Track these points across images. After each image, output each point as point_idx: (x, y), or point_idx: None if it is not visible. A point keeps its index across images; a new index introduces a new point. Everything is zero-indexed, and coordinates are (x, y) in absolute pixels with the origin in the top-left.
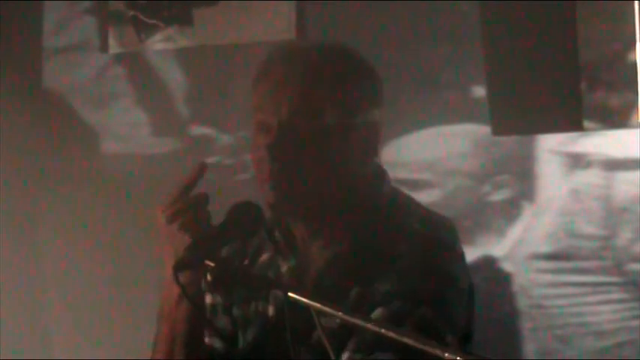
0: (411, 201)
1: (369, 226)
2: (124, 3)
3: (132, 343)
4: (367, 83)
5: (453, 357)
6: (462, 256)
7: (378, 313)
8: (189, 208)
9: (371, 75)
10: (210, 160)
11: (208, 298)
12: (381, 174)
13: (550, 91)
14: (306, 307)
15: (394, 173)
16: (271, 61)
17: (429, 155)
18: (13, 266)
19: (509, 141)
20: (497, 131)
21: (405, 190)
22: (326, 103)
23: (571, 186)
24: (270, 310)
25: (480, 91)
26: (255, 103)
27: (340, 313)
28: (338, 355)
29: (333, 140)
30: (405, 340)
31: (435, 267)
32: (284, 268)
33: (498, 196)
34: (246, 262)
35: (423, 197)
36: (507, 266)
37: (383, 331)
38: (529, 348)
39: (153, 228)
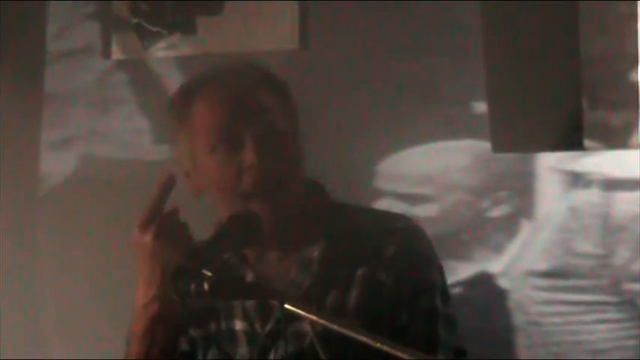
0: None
1: (335, 231)
2: (128, 9)
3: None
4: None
5: None
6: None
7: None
8: (161, 221)
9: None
10: None
11: None
12: (320, 184)
13: (551, 109)
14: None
15: (393, 187)
16: (204, 78)
17: (429, 169)
18: (12, 268)
19: (509, 157)
20: (497, 148)
21: (404, 205)
22: (281, 117)
23: (570, 204)
24: (238, 324)
25: (480, 107)
26: (204, 117)
27: (335, 325)
28: None
29: (293, 153)
30: (400, 354)
31: (420, 252)
32: (249, 277)
33: (497, 212)
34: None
35: (422, 211)
36: (504, 282)
37: (378, 345)
38: None
39: None
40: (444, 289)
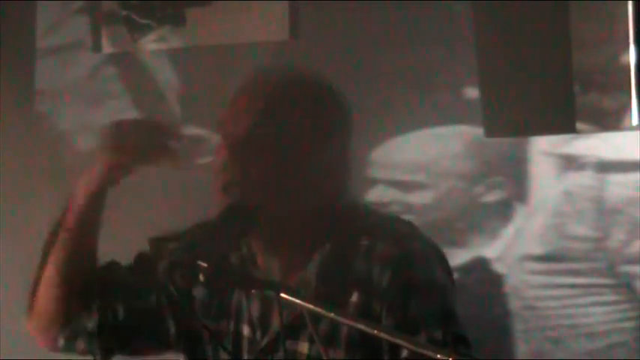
0: (369, 215)
1: (333, 249)
2: (117, 3)
3: None
4: (337, 111)
5: (445, 358)
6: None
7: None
8: None
9: (334, 103)
10: (203, 160)
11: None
12: (337, 191)
13: (543, 93)
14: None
15: (387, 175)
16: (247, 80)
17: (422, 157)
18: (12, 267)
19: (502, 142)
20: (489, 133)
21: (398, 192)
22: (291, 120)
23: (564, 188)
24: (245, 330)
25: (472, 93)
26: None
27: (332, 314)
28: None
29: (297, 158)
30: (398, 341)
31: (414, 282)
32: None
33: (491, 198)
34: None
35: (416, 199)
36: (500, 267)
37: (375, 332)
38: (521, 349)
39: (147, 226)
40: (447, 313)
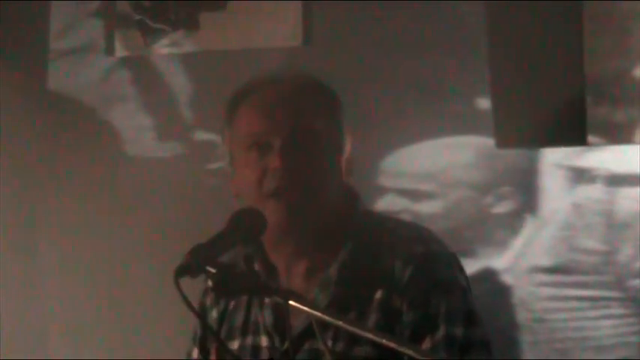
0: (387, 219)
1: (354, 248)
2: (131, 6)
3: (131, 344)
4: (341, 112)
5: None
6: (454, 257)
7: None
8: None
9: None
10: (213, 165)
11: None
12: (355, 194)
13: (555, 105)
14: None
15: (397, 183)
16: (255, 84)
17: (432, 166)
18: (13, 267)
19: (512, 153)
20: (500, 144)
21: (408, 201)
22: (320, 123)
23: (573, 200)
24: (264, 341)
25: (484, 103)
26: (242, 122)
27: (340, 322)
28: None
29: (328, 160)
30: (405, 350)
31: (436, 278)
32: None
33: (501, 209)
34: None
35: (425, 208)
36: (508, 279)
37: (384, 341)
38: None
39: (154, 231)
40: (468, 314)
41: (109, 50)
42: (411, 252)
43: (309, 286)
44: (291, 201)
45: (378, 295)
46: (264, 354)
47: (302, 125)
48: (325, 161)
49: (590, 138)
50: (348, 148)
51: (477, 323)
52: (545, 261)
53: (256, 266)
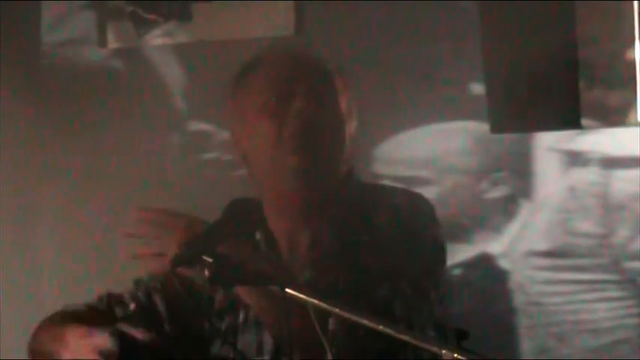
0: (381, 187)
1: (348, 218)
2: None
3: None
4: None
5: (450, 354)
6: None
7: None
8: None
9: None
10: (208, 155)
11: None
12: (352, 168)
13: (548, 89)
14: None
15: (392, 170)
16: (264, 54)
17: (427, 152)
18: (12, 263)
19: (507, 138)
20: (495, 129)
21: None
22: (329, 95)
23: (569, 183)
24: None
25: (478, 89)
26: (258, 79)
27: (337, 309)
28: (336, 354)
29: (338, 132)
30: (403, 337)
31: (418, 232)
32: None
33: (496, 194)
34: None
35: None
36: (504, 263)
37: (380, 327)
38: (526, 345)
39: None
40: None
41: (102, 42)
42: (392, 201)
43: (310, 259)
44: (310, 147)
45: (362, 249)
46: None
47: (322, 80)
48: (339, 123)
49: (584, 121)
50: (354, 124)
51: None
52: (541, 245)
53: (257, 236)
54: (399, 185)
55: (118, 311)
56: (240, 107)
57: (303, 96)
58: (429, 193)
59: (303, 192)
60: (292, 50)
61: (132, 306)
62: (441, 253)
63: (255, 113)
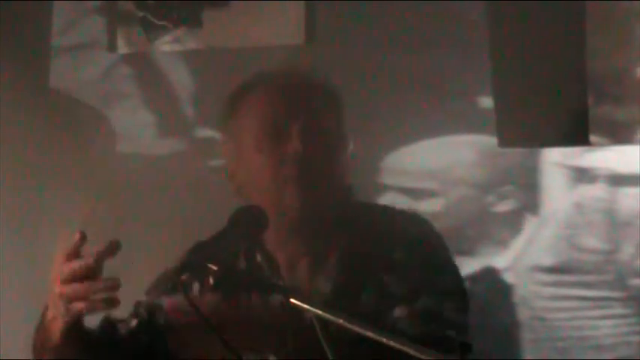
0: (379, 207)
1: (352, 236)
2: (134, 3)
3: None
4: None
5: None
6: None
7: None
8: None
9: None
10: (215, 162)
11: None
12: (349, 187)
13: (557, 105)
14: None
15: (398, 181)
16: (261, 76)
17: (434, 164)
18: (14, 265)
19: (514, 152)
20: (502, 143)
21: (409, 199)
22: (328, 115)
23: (575, 199)
24: None
25: (486, 102)
26: (254, 110)
27: (341, 320)
28: None
29: (337, 151)
30: (406, 349)
31: (432, 257)
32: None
33: (502, 207)
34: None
35: (427, 206)
36: (509, 277)
37: (384, 340)
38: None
39: (155, 228)
40: (460, 295)
41: (111, 47)
42: (406, 234)
43: (312, 280)
44: (309, 187)
45: (379, 279)
46: None
47: (316, 112)
48: (335, 152)
49: (592, 137)
50: (350, 144)
51: (465, 303)
52: (547, 260)
53: (258, 259)
54: (404, 208)
55: (120, 327)
56: (234, 141)
57: (299, 134)
58: (434, 205)
59: (304, 232)
60: (285, 80)
61: (133, 322)
62: (458, 275)
63: (250, 150)
